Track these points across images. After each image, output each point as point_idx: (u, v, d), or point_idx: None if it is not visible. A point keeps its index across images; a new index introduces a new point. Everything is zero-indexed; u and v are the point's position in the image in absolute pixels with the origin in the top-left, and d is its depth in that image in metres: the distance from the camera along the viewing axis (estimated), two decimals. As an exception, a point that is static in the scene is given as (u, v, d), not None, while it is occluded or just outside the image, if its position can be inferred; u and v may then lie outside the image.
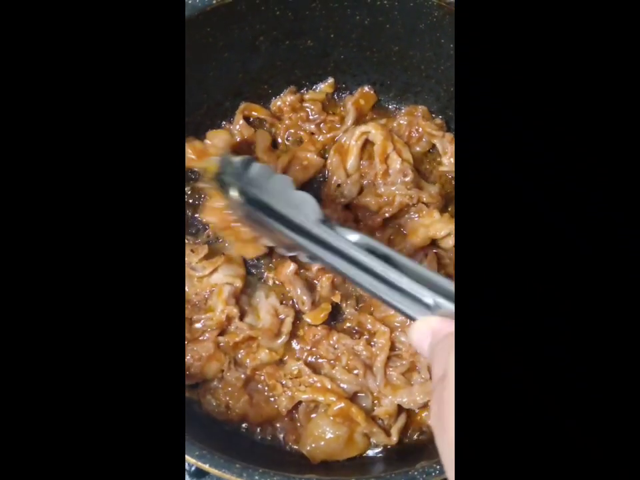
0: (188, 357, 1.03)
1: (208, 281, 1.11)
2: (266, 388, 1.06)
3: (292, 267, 1.10)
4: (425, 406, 1.04)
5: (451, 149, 1.20)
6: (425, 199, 1.13)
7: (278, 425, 1.05)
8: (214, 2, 1.03)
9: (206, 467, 0.82)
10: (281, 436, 1.04)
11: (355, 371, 1.05)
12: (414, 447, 1.02)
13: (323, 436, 1.00)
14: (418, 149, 1.22)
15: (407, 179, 1.14)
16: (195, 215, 1.17)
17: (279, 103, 1.24)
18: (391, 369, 1.05)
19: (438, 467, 0.83)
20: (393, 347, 1.06)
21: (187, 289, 1.10)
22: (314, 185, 1.22)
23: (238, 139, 1.22)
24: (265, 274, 1.15)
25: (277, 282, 1.13)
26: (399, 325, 1.08)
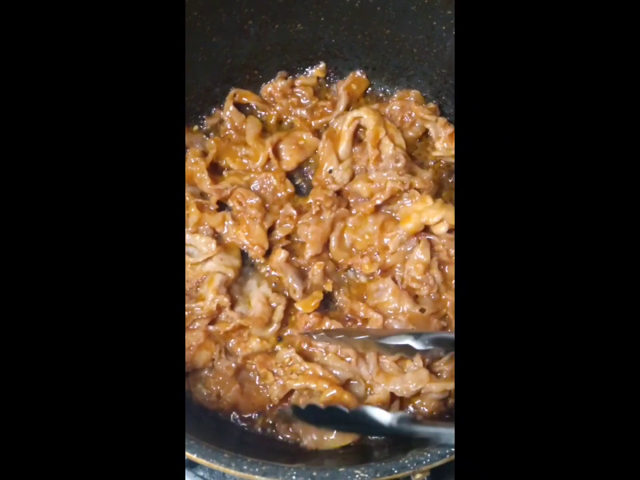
0: (178, 346, 1.02)
1: (201, 269, 1.10)
2: (257, 377, 1.05)
3: (283, 254, 1.09)
4: (418, 394, 1.03)
5: (444, 133, 1.18)
6: (417, 185, 1.11)
7: (269, 414, 1.04)
8: (200, -15, 1.01)
9: (194, 457, 0.81)
10: (272, 425, 1.03)
11: (348, 359, 1.04)
12: (405, 436, 1.00)
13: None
14: (411, 133, 1.21)
15: (399, 164, 1.12)
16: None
17: (269, 88, 1.23)
18: (383, 357, 1.03)
19: (429, 455, 0.82)
20: (385, 335, 1.05)
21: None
22: (305, 170, 1.21)
23: (228, 125, 1.20)
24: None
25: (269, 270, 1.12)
26: (391, 312, 1.06)
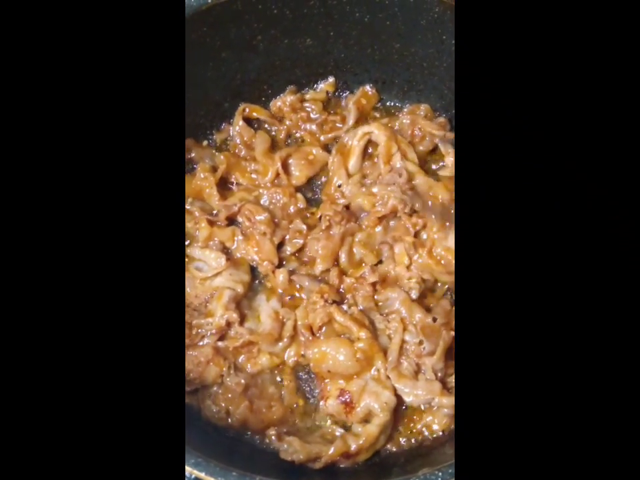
0: (187, 363, 1.02)
1: (210, 284, 1.09)
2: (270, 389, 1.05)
3: (282, 276, 1.09)
4: (429, 409, 1.02)
5: (453, 148, 1.17)
6: (417, 207, 1.11)
7: (278, 430, 1.03)
8: (209, 1, 1.02)
9: (202, 475, 0.81)
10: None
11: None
12: (416, 454, 0.99)
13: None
14: (421, 147, 1.20)
15: (402, 179, 1.12)
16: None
17: (279, 103, 1.23)
18: (403, 357, 1.03)
19: (440, 474, 0.81)
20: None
21: (188, 290, 1.09)
22: (314, 184, 1.20)
23: (237, 141, 1.20)
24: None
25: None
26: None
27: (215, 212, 1.15)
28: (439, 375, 1.02)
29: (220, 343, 1.05)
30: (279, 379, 1.06)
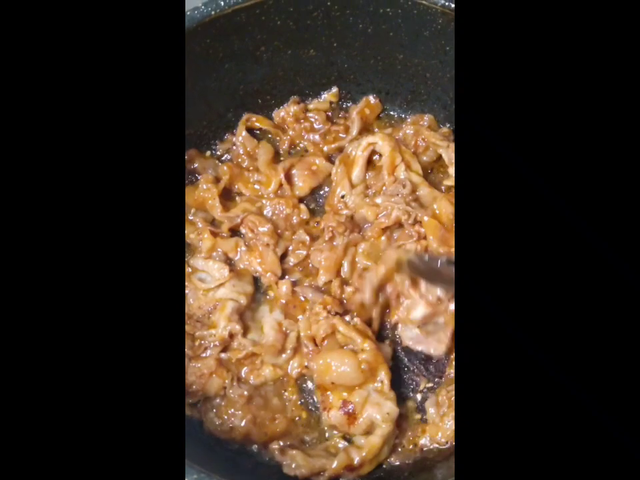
0: (189, 375, 1.02)
1: (213, 295, 1.09)
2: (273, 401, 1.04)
3: (285, 287, 1.09)
4: (433, 421, 1.01)
5: (457, 158, 1.17)
6: (419, 217, 1.10)
7: (282, 444, 1.02)
8: (212, 13, 1.02)
9: (205, 490, 0.80)
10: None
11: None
12: (421, 467, 0.99)
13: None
14: (425, 158, 1.20)
15: (405, 190, 1.12)
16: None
17: (282, 113, 1.23)
18: None
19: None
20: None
21: (191, 301, 1.09)
22: (318, 195, 1.20)
23: (240, 151, 1.20)
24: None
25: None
26: None
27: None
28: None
29: (223, 355, 1.05)
30: (283, 392, 1.06)
